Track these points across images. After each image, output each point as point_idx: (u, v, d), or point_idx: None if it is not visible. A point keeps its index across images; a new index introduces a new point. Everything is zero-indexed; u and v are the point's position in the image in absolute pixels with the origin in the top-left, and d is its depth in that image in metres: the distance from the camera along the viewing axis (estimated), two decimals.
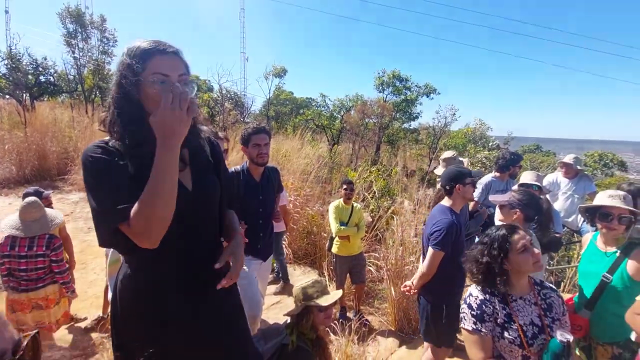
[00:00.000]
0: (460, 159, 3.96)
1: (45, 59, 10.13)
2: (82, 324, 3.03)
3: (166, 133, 0.89)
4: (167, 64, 0.99)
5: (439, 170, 3.59)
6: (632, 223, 1.77)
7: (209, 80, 16.23)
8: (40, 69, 9.98)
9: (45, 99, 11.42)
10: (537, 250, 1.42)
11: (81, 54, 10.61)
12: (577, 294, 2.02)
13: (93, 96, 11.74)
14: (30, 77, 9.79)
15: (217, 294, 1.15)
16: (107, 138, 1.05)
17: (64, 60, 10.77)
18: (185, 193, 1.07)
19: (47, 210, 2.58)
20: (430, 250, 2.08)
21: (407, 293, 2.27)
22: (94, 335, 2.89)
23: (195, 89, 1.04)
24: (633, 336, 1.64)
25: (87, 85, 11.31)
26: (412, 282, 2.23)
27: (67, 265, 2.59)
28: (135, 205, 0.90)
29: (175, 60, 1.02)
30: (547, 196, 2.81)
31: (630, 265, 1.73)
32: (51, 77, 10.48)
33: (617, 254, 1.80)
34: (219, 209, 1.23)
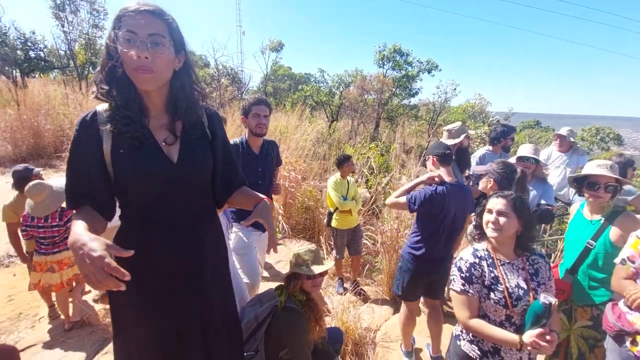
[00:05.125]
0: (470, 131, 3.87)
1: (34, 33, 9.86)
2: (89, 296, 3.15)
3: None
4: (137, 22, 0.96)
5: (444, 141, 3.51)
6: (618, 191, 1.83)
7: (205, 56, 15.84)
8: (29, 44, 9.71)
9: (37, 76, 11.18)
10: (492, 217, 1.50)
11: (71, 27, 10.27)
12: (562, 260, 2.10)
13: (86, 72, 11.47)
14: (19, 52, 9.53)
15: (202, 268, 1.19)
16: (98, 106, 1.08)
17: (53, 35, 10.46)
18: (170, 166, 1.09)
19: (55, 185, 2.67)
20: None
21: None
22: (97, 306, 3.02)
23: (167, 48, 1.01)
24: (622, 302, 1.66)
25: (79, 61, 11.01)
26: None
27: None
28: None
29: (148, 18, 0.97)
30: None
31: (613, 231, 1.80)
32: (41, 53, 10.21)
33: (602, 222, 1.86)
34: (212, 181, 1.23)
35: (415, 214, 2.38)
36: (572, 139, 3.69)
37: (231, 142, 2.47)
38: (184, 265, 1.16)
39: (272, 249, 1.17)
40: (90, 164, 1.04)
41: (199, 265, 1.20)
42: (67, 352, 2.48)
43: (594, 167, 1.87)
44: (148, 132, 1.08)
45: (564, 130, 3.75)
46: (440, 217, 2.21)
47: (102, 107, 1.07)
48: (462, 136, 3.22)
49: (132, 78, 1.01)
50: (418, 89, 13.47)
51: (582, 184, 1.94)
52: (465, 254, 1.56)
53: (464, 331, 1.59)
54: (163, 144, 1.09)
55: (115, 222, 1.17)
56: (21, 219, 2.62)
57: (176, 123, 1.14)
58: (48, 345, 2.55)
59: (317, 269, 1.71)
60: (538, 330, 1.27)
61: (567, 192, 3.71)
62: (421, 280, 2.36)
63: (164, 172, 1.07)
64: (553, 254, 4.28)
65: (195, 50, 16.35)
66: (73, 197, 1.06)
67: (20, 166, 2.87)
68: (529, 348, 1.29)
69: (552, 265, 2.12)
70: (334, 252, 3.64)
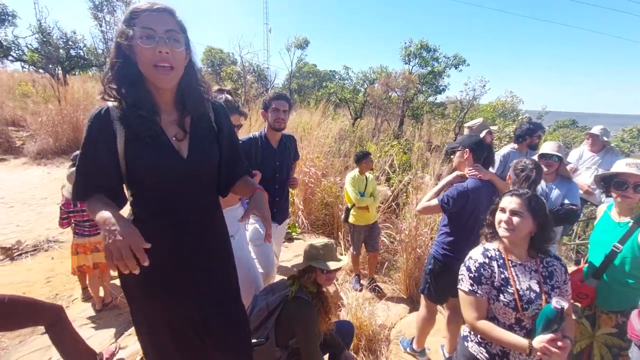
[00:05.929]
0: (493, 127, 3.76)
1: (75, 32, 10.40)
2: (118, 280, 3.34)
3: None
4: (153, 19, 0.99)
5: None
6: None
7: (232, 54, 16.23)
8: (70, 43, 10.26)
9: (76, 73, 11.83)
10: (505, 216, 1.44)
11: (108, 27, 10.78)
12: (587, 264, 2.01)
13: None
14: (61, 51, 10.10)
15: (208, 261, 1.22)
16: (110, 102, 1.10)
17: (92, 34, 11.02)
18: (180, 161, 1.11)
19: None
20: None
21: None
22: None
23: (182, 44, 1.04)
24: None
25: None
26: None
27: None
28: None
29: (163, 16, 1.01)
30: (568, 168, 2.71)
31: None
32: (81, 51, 10.76)
33: (630, 224, 1.76)
34: (218, 173, 1.25)
35: (442, 214, 2.29)
36: (605, 139, 3.48)
37: (250, 135, 2.55)
38: (191, 260, 1.19)
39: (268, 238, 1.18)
40: (102, 157, 1.06)
41: (206, 260, 1.23)
42: (96, 331, 2.66)
43: (623, 165, 1.78)
44: (160, 129, 1.10)
45: (596, 129, 3.55)
46: (475, 214, 2.13)
47: (114, 103, 1.09)
48: (484, 132, 3.12)
49: (150, 75, 1.03)
50: (445, 85, 13.14)
51: (610, 183, 1.85)
52: (475, 254, 1.52)
53: (472, 332, 1.55)
54: (174, 139, 1.12)
55: None
56: (62, 207, 2.82)
57: (185, 118, 1.16)
58: (80, 324, 2.73)
59: (332, 265, 1.73)
60: (549, 336, 1.22)
61: (598, 195, 3.52)
62: (455, 280, 2.29)
63: (175, 169, 1.10)
64: (583, 259, 4.07)
65: (223, 47, 16.83)
66: (83, 189, 1.08)
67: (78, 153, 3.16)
68: (538, 354, 1.24)
69: (577, 268, 2.04)
70: (351, 248, 3.65)
